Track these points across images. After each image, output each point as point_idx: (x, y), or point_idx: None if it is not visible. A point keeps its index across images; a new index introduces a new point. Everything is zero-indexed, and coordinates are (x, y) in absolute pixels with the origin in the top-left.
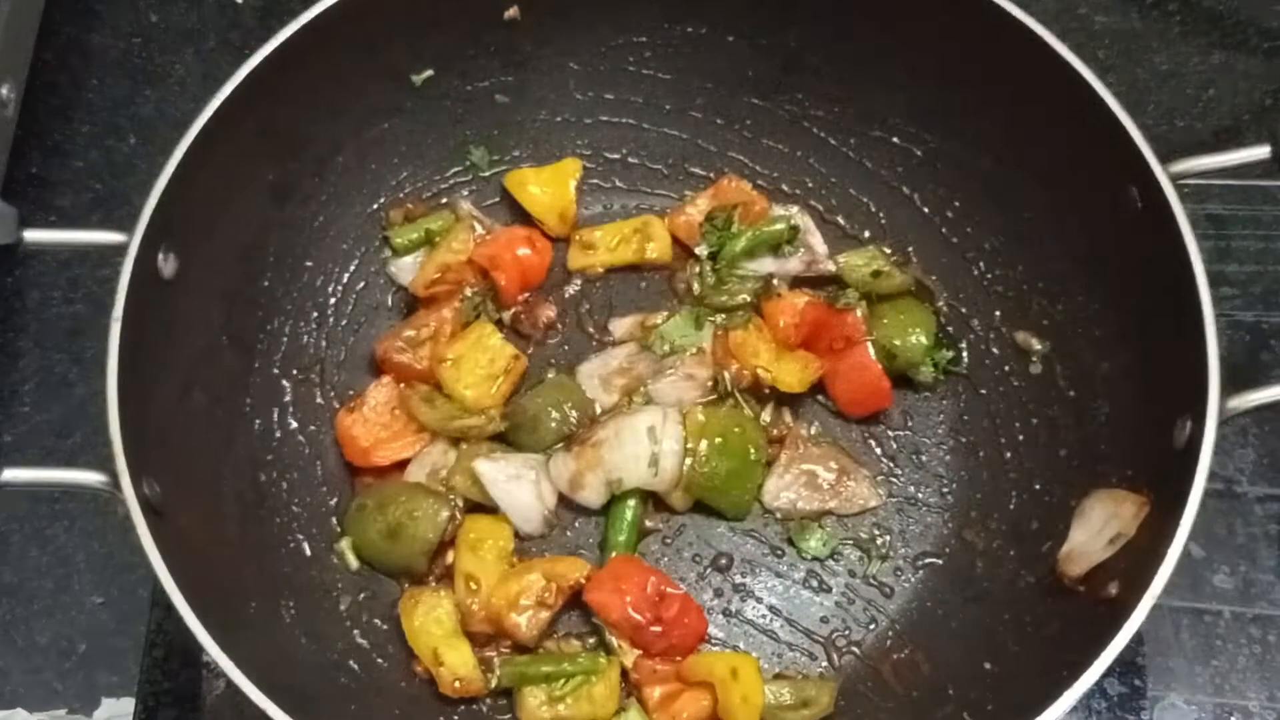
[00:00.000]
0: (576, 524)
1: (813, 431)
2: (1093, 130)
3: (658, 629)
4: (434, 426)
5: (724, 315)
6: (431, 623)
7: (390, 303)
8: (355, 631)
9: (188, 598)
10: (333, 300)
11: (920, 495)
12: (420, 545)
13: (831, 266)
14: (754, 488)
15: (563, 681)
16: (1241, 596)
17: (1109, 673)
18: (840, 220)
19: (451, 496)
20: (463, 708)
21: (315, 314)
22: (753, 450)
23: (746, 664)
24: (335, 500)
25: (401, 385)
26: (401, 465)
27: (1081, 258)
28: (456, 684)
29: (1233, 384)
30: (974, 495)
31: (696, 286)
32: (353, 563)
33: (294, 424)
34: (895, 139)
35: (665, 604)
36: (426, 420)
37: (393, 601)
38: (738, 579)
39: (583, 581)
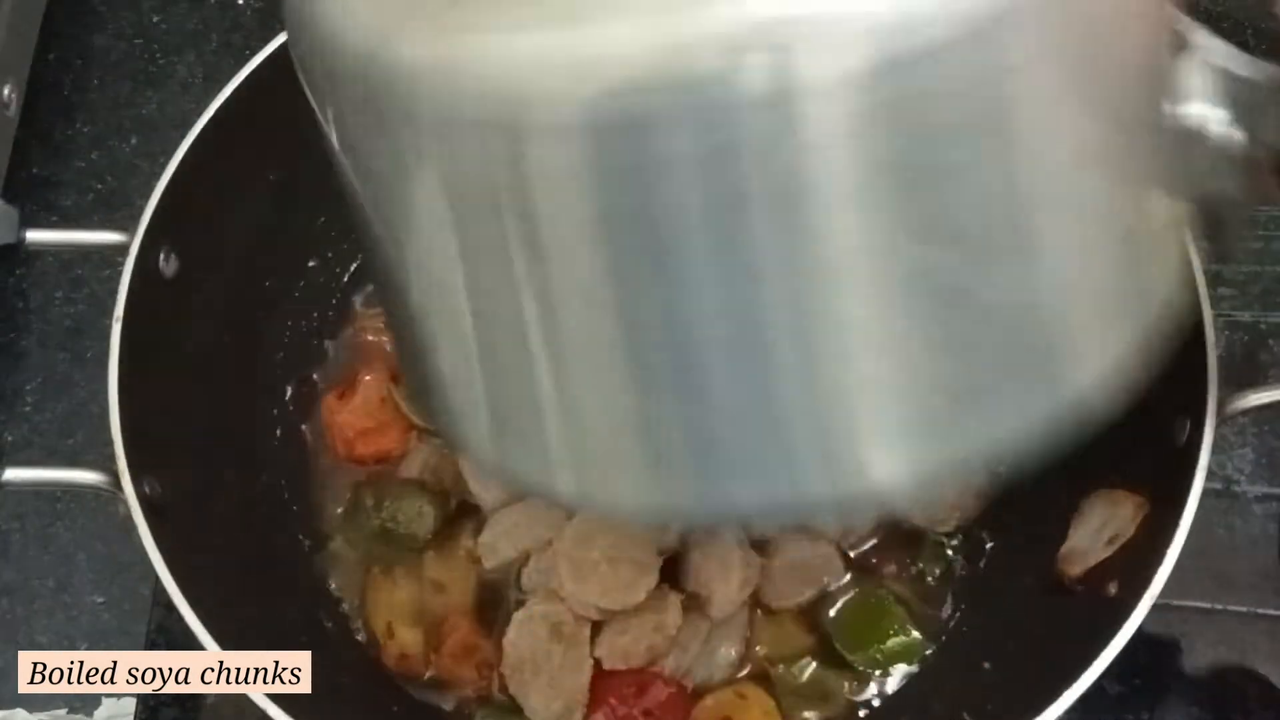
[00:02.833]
0: None
1: None
2: None
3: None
4: (422, 422)
5: None
6: (396, 601)
7: None
8: (356, 632)
9: (188, 598)
10: (334, 300)
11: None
12: (411, 544)
13: None
14: None
15: None
16: (1241, 596)
17: (1108, 673)
18: None
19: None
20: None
21: (316, 314)
22: None
23: (748, 686)
24: (335, 500)
25: (392, 379)
26: (394, 463)
27: None
28: (402, 658)
29: (1231, 384)
30: (973, 495)
31: None
32: (352, 563)
33: (294, 424)
34: None
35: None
36: (414, 415)
37: None
38: None
39: None
